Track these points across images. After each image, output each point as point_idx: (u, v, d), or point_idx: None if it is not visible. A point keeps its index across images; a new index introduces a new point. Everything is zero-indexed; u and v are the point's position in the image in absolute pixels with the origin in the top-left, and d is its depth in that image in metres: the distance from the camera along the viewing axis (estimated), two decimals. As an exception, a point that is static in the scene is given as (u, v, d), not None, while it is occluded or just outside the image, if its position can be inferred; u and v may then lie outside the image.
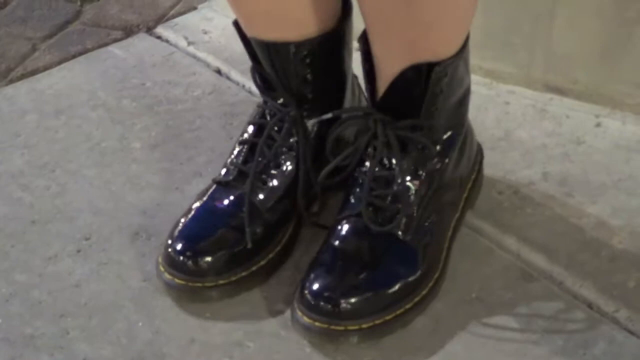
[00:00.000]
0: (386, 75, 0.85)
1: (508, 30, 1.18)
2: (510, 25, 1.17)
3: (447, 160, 0.91)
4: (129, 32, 1.40)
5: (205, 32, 1.37)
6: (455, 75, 0.86)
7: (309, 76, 0.92)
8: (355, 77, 1.01)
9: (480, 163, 1.00)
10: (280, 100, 0.94)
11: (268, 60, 0.92)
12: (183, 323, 0.90)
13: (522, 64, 1.19)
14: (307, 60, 0.91)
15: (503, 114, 1.16)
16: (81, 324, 0.91)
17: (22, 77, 1.30)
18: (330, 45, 0.92)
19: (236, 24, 0.93)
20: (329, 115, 0.92)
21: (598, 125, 1.13)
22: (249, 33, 0.92)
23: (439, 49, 0.83)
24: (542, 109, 1.16)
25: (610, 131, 1.12)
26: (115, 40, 1.38)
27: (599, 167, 1.06)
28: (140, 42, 1.37)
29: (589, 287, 0.91)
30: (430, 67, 0.83)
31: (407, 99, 0.86)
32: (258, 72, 0.94)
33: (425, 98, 0.85)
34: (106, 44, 1.37)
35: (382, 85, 0.86)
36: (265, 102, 0.95)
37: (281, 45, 0.90)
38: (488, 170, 1.03)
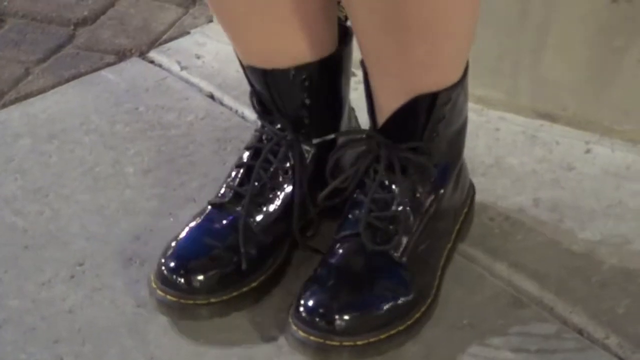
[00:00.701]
0: (385, 106, 0.87)
1: (498, 58, 1.19)
2: (501, 52, 1.19)
3: (442, 189, 0.92)
4: (122, 56, 1.41)
5: (198, 57, 1.38)
6: (456, 103, 0.88)
7: (306, 101, 0.94)
8: (352, 109, 1.02)
9: (472, 198, 1.01)
10: (278, 126, 0.95)
11: (264, 86, 0.93)
12: (177, 349, 0.91)
13: (512, 91, 1.20)
14: (304, 85, 0.92)
15: (494, 140, 1.17)
16: (75, 350, 0.91)
17: (16, 100, 1.31)
18: (327, 70, 0.94)
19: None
20: (332, 135, 0.94)
21: (588, 151, 1.14)
22: (245, 62, 0.93)
23: (437, 83, 0.84)
24: (532, 135, 1.17)
25: (600, 158, 1.13)
26: (109, 65, 1.38)
27: (589, 194, 1.07)
28: (133, 67, 1.38)
29: (579, 313, 0.92)
30: (433, 95, 0.84)
31: (409, 125, 0.87)
32: (256, 96, 0.95)
33: (428, 124, 0.87)
34: (99, 68, 1.37)
35: (382, 113, 0.88)
36: (262, 127, 0.96)
37: (278, 71, 0.91)
38: (479, 196, 1.04)
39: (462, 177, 0.97)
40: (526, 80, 1.19)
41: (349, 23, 0.93)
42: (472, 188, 1.02)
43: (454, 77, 0.86)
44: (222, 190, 0.96)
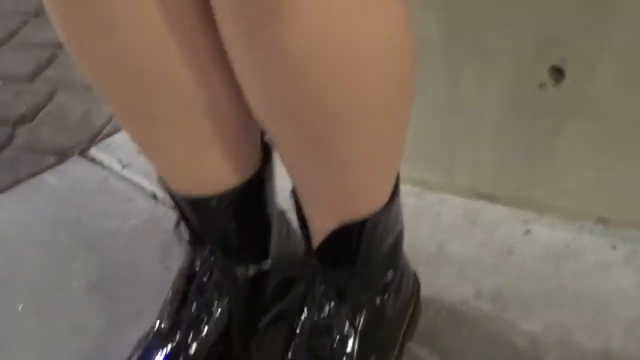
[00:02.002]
0: (319, 229, 0.87)
1: (435, 141, 1.21)
2: (437, 136, 1.20)
3: (385, 300, 0.93)
4: (63, 156, 1.40)
5: (140, 153, 1.38)
6: (388, 221, 0.88)
7: (232, 225, 0.94)
8: (282, 213, 1.02)
9: (418, 294, 1.02)
10: (209, 249, 0.96)
11: (192, 213, 0.93)
12: None
13: (451, 173, 1.22)
14: (230, 211, 0.93)
15: (435, 226, 1.18)
16: None
17: (-41, 214, 1.30)
18: (252, 193, 0.94)
19: (162, 179, 0.95)
20: (268, 266, 0.94)
21: (527, 232, 1.16)
22: (172, 187, 0.94)
23: (368, 206, 0.85)
24: (472, 219, 1.19)
25: (540, 238, 1.15)
26: (50, 167, 1.38)
27: (530, 279, 1.09)
28: (75, 168, 1.37)
29: (526, 412, 0.94)
30: (362, 223, 0.85)
31: (343, 249, 0.88)
32: (185, 222, 0.96)
33: (359, 248, 0.87)
34: (41, 172, 1.37)
35: (317, 237, 0.88)
36: (194, 251, 0.97)
37: (202, 200, 0.92)
38: (424, 289, 1.05)
39: (405, 280, 0.98)
40: (464, 163, 1.21)
41: (267, 137, 0.94)
42: (416, 283, 1.03)
43: (385, 199, 0.87)
44: (159, 319, 0.96)
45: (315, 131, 0.75)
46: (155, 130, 0.87)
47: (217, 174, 0.91)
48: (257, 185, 0.94)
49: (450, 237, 1.16)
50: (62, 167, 1.38)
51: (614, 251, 1.12)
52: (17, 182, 1.35)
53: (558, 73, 1.08)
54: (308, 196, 0.86)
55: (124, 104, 0.86)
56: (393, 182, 0.88)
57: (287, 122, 0.77)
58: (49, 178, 1.36)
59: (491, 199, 1.21)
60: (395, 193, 0.88)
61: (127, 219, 1.25)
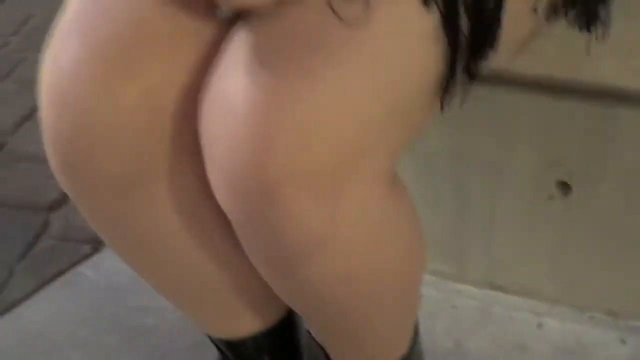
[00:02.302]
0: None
1: (446, 237, 1.28)
2: (450, 234, 1.27)
3: None
4: (96, 244, 1.45)
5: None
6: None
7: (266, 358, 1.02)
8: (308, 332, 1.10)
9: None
10: None
11: (226, 350, 1.01)
12: None
13: (465, 266, 1.29)
14: (263, 349, 1.00)
15: (451, 319, 1.26)
16: None
17: (5, 311, 1.35)
18: (285, 329, 1.01)
19: None
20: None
21: (539, 326, 1.23)
22: (203, 331, 1.00)
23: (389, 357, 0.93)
24: (487, 311, 1.26)
25: (551, 332, 1.22)
26: (85, 257, 1.44)
27: (543, 380, 1.17)
28: (109, 259, 1.43)
29: None
30: None
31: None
32: (220, 354, 1.03)
33: None
34: (77, 263, 1.42)
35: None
36: None
37: (234, 342, 0.99)
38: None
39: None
40: (475, 257, 1.28)
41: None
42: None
43: (404, 347, 0.94)
44: None
45: (333, 322, 0.83)
46: (177, 294, 0.95)
47: (245, 321, 0.98)
48: (289, 322, 1.02)
49: (466, 333, 1.23)
50: (96, 258, 1.44)
51: (623, 345, 1.19)
52: (56, 275, 1.40)
53: (565, 186, 1.15)
54: (330, 350, 0.94)
55: (141, 273, 0.95)
56: (411, 333, 0.95)
57: (306, 314, 0.86)
58: (86, 270, 1.42)
59: (504, 289, 1.28)
60: (414, 340, 0.95)
61: (164, 314, 1.31)
